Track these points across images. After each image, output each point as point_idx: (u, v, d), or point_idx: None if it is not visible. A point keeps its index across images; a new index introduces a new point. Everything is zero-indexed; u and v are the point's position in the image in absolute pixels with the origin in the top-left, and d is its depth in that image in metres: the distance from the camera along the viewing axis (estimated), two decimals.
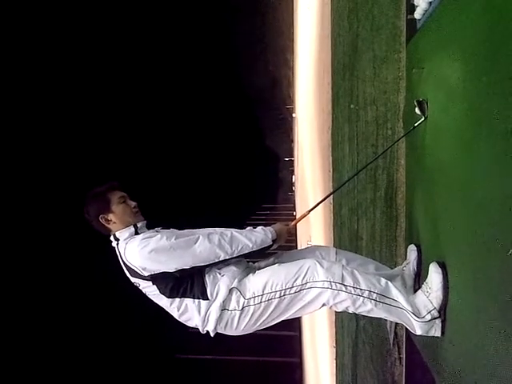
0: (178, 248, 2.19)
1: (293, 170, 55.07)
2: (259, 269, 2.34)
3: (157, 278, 2.21)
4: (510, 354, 1.41)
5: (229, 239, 2.23)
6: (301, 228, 22.45)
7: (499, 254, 1.47)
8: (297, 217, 2.69)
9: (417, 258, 2.45)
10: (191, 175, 50.49)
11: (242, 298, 2.17)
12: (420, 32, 2.63)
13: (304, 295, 2.12)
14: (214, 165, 55.20)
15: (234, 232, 2.27)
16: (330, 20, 9.39)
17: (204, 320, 2.20)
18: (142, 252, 2.19)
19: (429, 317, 1.99)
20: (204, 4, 53.02)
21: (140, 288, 2.31)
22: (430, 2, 2.36)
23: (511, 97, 1.43)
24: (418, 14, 2.55)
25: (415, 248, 2.50)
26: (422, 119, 2.38)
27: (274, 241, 2.30)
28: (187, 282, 2.22)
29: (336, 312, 7.65)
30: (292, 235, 2.54)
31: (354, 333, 5.97)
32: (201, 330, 2.26)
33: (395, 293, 2.06)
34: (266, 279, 2.18)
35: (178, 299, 2.22)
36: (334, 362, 9.06)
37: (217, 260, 2.21)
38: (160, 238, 2.21)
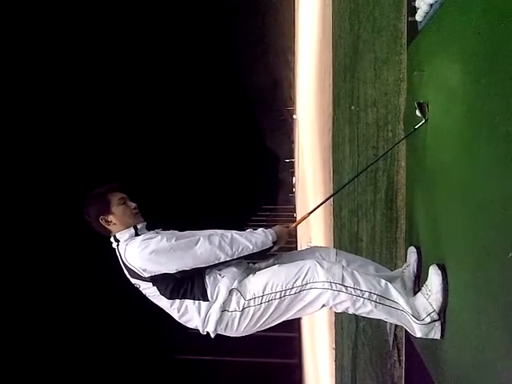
0: (179, 249, 2.19)
1: (293, 172, 55.07)
2: (259, 270, 2.34)
3: (157, 280, 2.21)
4: (510, 357, 1.41)
5: (229, 241, 2.23)
6: (301, 229, 22.45)
7: (499, 256, 1.47)
8: (297, 218, 2.69)
9: (417, 260, 2.45)
10: (192, 176, 50.49)
11: (242, 299, 2.17)
12: (421, 34, 2.63)
13: (304, 296, 2.12)
14: (215, 166, 55.21)
15: (235, 234, 2.27)
16: (331, 21, 9.40)
17: (204, 321, 2.20)
18: (143, 253, 2.19)
19: (428, 319, 1.99)
20: (204, 4, 53.04)
21: (140, 289, 2.31)
22: (431, 5, 2.36)
23: (511, 98, 1.43)
24: (419, 16, 2.55)
25: (415, 250, 2.50)
26: (423, 121, 2.38)
27: (274, 243, 2.30)
28: (187, 284, 2.21)
29: (336, 313, 7.65)
30: (292, 237, 2.54)
31: (354, 334, 5.96)
32: (201, 331, 2.26)
33: (395, 294, 2.05)
34: (266, 280, 2.18)
35: (178, 300, 2.22)
36: (334, 363, 9.05)
37: (217, 261, 2.21)
38: (160, 240, 2.21)
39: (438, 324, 1.99)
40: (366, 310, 2.06)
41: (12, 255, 27.02)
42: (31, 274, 28.54)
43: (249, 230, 2.36)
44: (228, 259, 2.22)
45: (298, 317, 2.27)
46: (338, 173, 8.01)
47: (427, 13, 2.45)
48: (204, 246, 2.19)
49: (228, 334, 2.26)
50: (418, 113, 2.40)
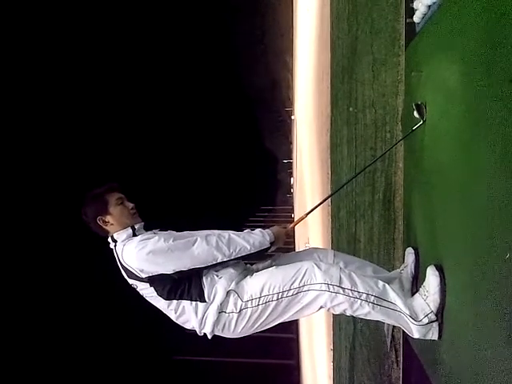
0: (176, 250, 2.18)
1: (291, 172, 55.07)
2: (257, 271, 2.34)
3: (154, 280, 2.21)
4: (508, 358, 1.41)
5: (226, 241, 2.22)
6: (299, 230, 22.45)
7: (497, 257, 1.47)
8: (295, 219, 2.69)
9: (414, 261, 2.45)
10: (190, 176, 50.47)
11: (239, 300, 2.17)
12: (419, 35, 2.64)
13: (301, 298, 2.12)
14: (213, 166, 55.19)
15: (232, 234, 2.27)
16: (330, 22, 9.41)
17: (201, 322, 2.20)
18: (140, 254, 2.18)
19: (426, 320, 1.99)
20: (204, 4, 53.07)
21: (137, 290, 2.31)
22: (429, 6, 2.37)
23: (509, 99, 1.44)
24: (417, 18, 2.56)
25: (413, 251, 2.50)
26: (421, 122, 2.39)
27: (271, 243, 2.29)
28: (185, 284, 2.21)
29: (333, 315, 7.65)
30: (290, 237, 2.54)
31: (352, 335, 5.96)
32: (198, 333, 2.25)
33: (393, 296, 2.05)
34: (264, 282, 2.17)
35: (175, 301, 2.22)
36: (331, 364, 9.05)
37: (214, 262, 2.21)
38: (158, 240, 2.20)
39: (435, 325, 2.00)
40: (364, 311, 2.06)
41: (11, 256, 26.98)
42: (31, 275, 28.50)
43: (246, 230, 2.36)
44: (225, 260, 2.22)
45: (295, 318, 2.27)
46: (336, 174, 8.01)
47: (425, 14, 2.45)
48: (201, 246, 2.19)
49: (225, 335, 2.26)
50: (415, 114, 2.40)
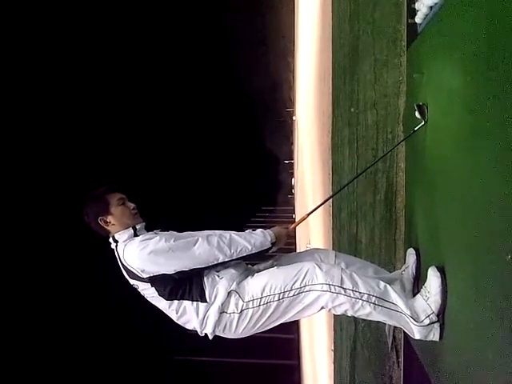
0: (177, 250, 2.19)
1: (292, 173, 55.05)
2: (258, 271, 2.34)
3: (155, 280, 2.21)
4: (510, 359, 1.41)
5: (228, 241, 2.23)
6: (300, 231, 22.43)
7: (498, 258, 1.47)
8: (296, 220, 2.69)
9: (416, 262, 2.45)
10: (191, 177, 50.48)
11: (240, 300, 2.17)
12: (421, 36, 2.64)
13: (303, 298, 2.12)
14: (214, 166, 55.20)
15: (233, 234, 2.27)
16: (331, 23, 9.41)
17: (202, 323, 2.20)
18: (141, 254, 2.19)
19: (427, 321, 1.99)
20: (204, 5, 53.10)
21: (139, 290, 2.31)
22: (431, 7, 2.36)
23: (510, 100, 1.44)
24: (418, 19, 2.56)
25: (414, 252, 2.50)
26: (422, 123, 2.38)
27: (273, 243, 2.30)
28: (186, 285, 2.21)
29: (334, 315, 7.64)
30: (291, 238, 2.54)
31: (353, 336, 5.96)
32: (199, 333, 2.25)
33: (394, 296, 2.05)
34: (265, 282, 2.17)
35: (176, 301, 2.22)
36: (332, 365, 9.04)
37: (216, 262, 2.21)
38: (159, 240, 2.21)
39: (436, 326, 1.99)
40: (365, 312, 2.06)
41: (12, 256, 27.01)
42: (31, 275, 28.52)
43: (248, 230, 2.36)
44: (227, 260, 2.22)
45: (296, 319, 2.27)
46: (337, 174, 8.01)
47: (427, 15, 2.45)
48: (202, 246, 2.19)
49: (226, 335, 2.26)
50: (417, 115, 2.40)
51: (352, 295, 2.05)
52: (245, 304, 2.16)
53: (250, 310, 2.16)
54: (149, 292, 2.26)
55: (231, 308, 2.17)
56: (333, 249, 7.91)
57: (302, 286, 2.11)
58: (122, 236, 2.35)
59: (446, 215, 2.07)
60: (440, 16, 2.24)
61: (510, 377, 1.40)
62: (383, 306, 2.04)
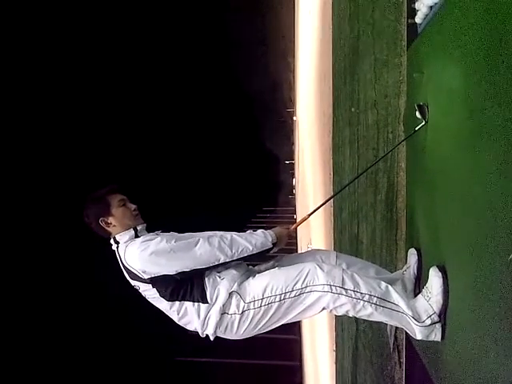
0: (178, 251, 2.19)
1: (293, 173, 55.10)
2: (259, 272, 2.34)
3: (157, 281, 2.21)
4: (511, 359, 1.41)
5: (229, 242, 2.22)
6: (301, 231, 22.44)
7: (500, 257, 1.47)
8: (297, 220, 2.69)
9: (417, 262, 2.44)
10: (191, 178, 50.50)
11: (241, 301, 2.17)
12: (421, 36, 2.63)
13: (304, 299, 2.12)
14: (215, 167, 55.23)
15: (234, 235, 2.27)
16: (331, 24, 9.41)
17: (203, 324, 2.20)
18: (142, 255, 2.19)
19: (429, 321, 1.98)
20: (205, 5, 53.15)
21: (140, 291, 2.31)
22: (431, 7, 2.36)
23: (511, 100, 1.43)
24: (418, 19, 2.55)
25: (415, 252, 2.50)
26: (423, 123, 2.38)
27: (274, 244, 2.29)
28: (187, 285, 2.21)
29: (336, 316, 7.64)
30: (292, 238, 2.54)
31: (354, 336, 5.95)
32: (200, 334, 2.25)
33: (396, 297, 2.05)
34: (266, 283, 2.17)
35: (177, 302, 2.22)
36: (334, 365, 9.04)
37: (217, 263, 2.21)
38: (160, 241, 2.21)
39: (438, 326, 1.99)
40: (367, 312, 2.06)
41: (12, 257, 27.03)
42: (31, 276, 28.55)
43: (248, 231, 2.36)
44: (228, 260, 2.22)
45: (297, 320, 2.27)
46: (338, 174, 8.01)
47: (427, 15, 2.45)
48: (204, 247, 2.19)
49: (227, 336, 2.26)
50: (418, 114, 2.40)
51: (353, 296, 2.04)
52: (246, 305, 2.16)
53: (252, 311, 2.15)
54: (150, 293, 2.26)
55: (232, 309, 2.17)
56: (334, 249, 7.91)
57: (304, 286, 2.11)
58: (123, 237, 2.35)
59: (446, 215, 2.06)
60: (440, 16, 2.24)
61: None
62: (385, 306, 2.04)
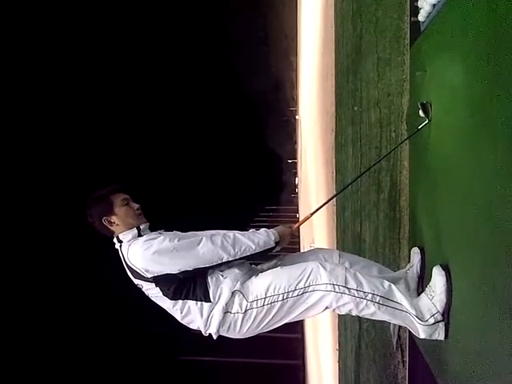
0: (181, 250, 2.19)
1: (296, 172, 55.07)
2: (262, 271, 2.34)
3: (160, 280, 2.21)
4: None
5: (232, 241, 2.23)
6: (304, 230, 22.42)
7: (504, 256, 1.46)
8: (300, 219, 2.68)
9: (420, 261, 2.44)
10: (194, 177, 50.54)
11: (244, 300, 2.17)
12: (424, 34, 2.63)
13: (307, 298, 2.12)
14: (218, 166, 55.26)
15: (237, 234, 2.27)
16: (334, 22, 9.39)
17: (206, 322, 2.20)
18: (145, 254, 2.19)
19: (432, 320, 1.98)
20: (205, 5, 53.15)
21: (143, 290, 2.32)
22: (434, 5, 2.35)
23: None
24: (421, 17, 2.54)
25: (418, 251, 2.49)
26: (426, 121, 2.37)
27: (276, 243, 2.29)
28: (190, 284, 2.21)
29: (339, 315, 7.64)
30: (295, 237, 2.54)
31: (357, 335, 5.95)
32: (203, 333, 2.26)
33: (399, 296, 2.05)
34: (269, 282, 2.17)
35: (180, 301, 2.22)
36: (337, 364, 9.04)
37: (220, 262, 2.21)
38: (163, 240, 2.21)
39: (441, 325, 1.99)
40: (370, 311, 2.06)
41: (14, 256, 27.11)
42: (33, 275, 28.62)
43: (251, 230, 2.36)
44: (231, 259, 2.22)
45: (300, 319, 2.27)
46: (341, 173, 8.00)
47: (430, 13, 2.44)
48: (206, 246, 2.19)
49: (230, 335, 2.26)
50: (421, 113, 2.39)
51: (356, 295, 2.04)
52: (249, 304, 2.16)
53: (254, 310, 2.15)
54: (153, 292, 2.27)
55: (235, 308, 2.17)
56: (337, 248, 7.90)
57: (306, 285, 2.11)
58: (126, 236, 2.36)
59: (449, 214, 2.06)
60: (443, 14, 2.23)
61: None
62: (388, 305, 2.04)
